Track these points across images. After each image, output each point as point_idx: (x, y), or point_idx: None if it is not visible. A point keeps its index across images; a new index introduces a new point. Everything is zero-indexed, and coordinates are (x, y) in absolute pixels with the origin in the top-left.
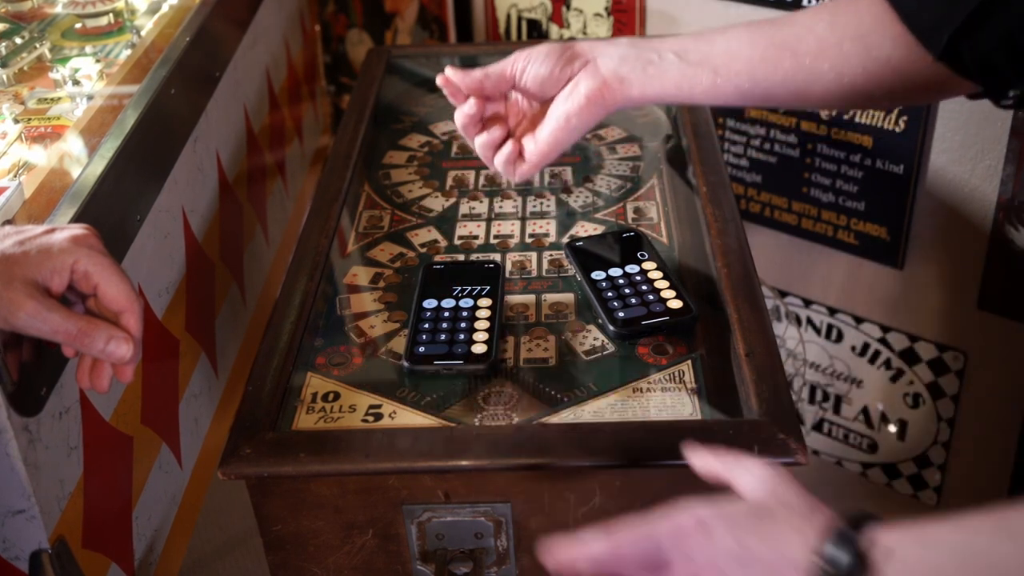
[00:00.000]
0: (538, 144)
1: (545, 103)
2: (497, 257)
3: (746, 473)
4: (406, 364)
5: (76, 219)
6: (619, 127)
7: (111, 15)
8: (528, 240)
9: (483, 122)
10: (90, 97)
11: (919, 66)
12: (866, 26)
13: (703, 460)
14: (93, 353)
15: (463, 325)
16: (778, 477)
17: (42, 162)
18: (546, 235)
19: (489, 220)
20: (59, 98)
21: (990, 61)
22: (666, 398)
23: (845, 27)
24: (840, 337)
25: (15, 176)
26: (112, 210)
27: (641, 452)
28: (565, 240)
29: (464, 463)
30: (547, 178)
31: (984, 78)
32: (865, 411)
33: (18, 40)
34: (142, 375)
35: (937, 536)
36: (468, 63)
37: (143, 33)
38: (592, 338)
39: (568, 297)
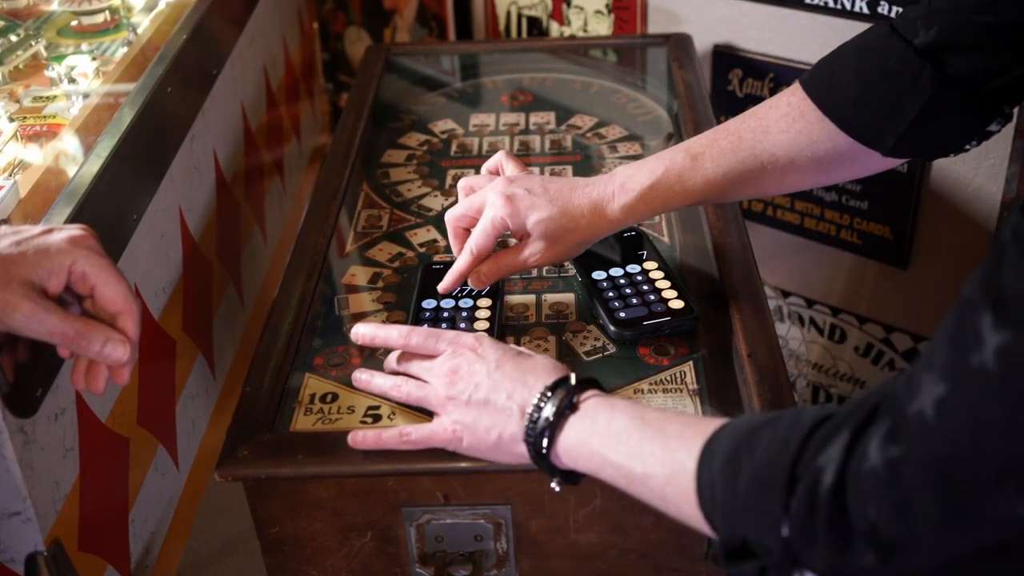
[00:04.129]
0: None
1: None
2: None
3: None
4: None
5: (72, 218)
6: (620, 125)
7: (107, 12)
8: None
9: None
10: (86, 95)
11: (862, 156)
12: (817, 136)
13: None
14: (90, 355)
15: (463, 326)
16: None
17: (38, 161)
18: None
19: None
20: (55, 96)
21: (938, 145)
22: (667, 399)
23: (804, 143)
24: (843, 337)
25: (10, 175)
26: (108, 209)
27: None
28: None
29: (463, 465)
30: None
31: (929, 158)
32: None
33: (13, 38)
34: (138, 376)
35: (620, 408)
36: (468, 61)
37: (139, 31)
38: (593, 338)
39: (568, 297)
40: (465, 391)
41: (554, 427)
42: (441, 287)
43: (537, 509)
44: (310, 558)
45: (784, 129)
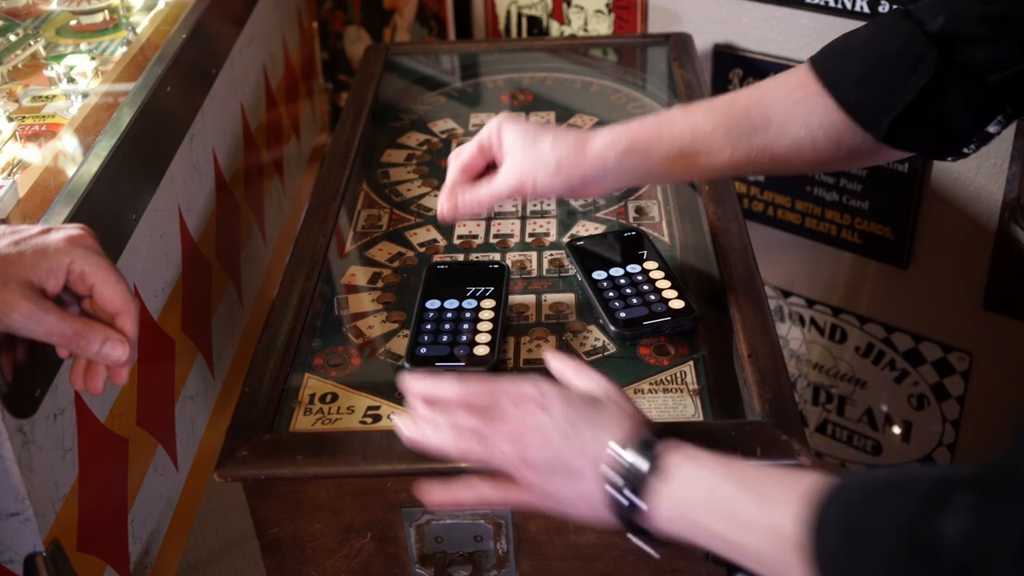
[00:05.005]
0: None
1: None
2: (498, 257)
3: (588, 378)
4: (407, 365)
5: (71, 218)
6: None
7: (106, 12)
8: (528, 240)
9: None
10: (85, 95)
11: (859, 141)
12: (812, 107)
13: (557, 361)
14: (88, 355)
15: (466, 326)
16: (614, 385)
17: (36, 160)
18: (546, 234)
19: (489, 219)
20: (54, 96)
21: (934, 139)
22: (668, 399)
23: (800, 113)
24: (844, 337)
25: (9, 175)
26: (107, 209)
27: None
28: (566, 239)
29: (463, 465)
30: None
31: (925, 152)
32: (869, 412)
33: (12, 37)
34: (137, 376)
35: (710, 468)
36: (467, 60)
37: (139, 30)
38: (593, 339)
39: (569, 297)
40: (533, 451)
41: (638, 491)
42: (440, 212)
43: (537, 509)
44: (310, 559)
45: (784, 96)
